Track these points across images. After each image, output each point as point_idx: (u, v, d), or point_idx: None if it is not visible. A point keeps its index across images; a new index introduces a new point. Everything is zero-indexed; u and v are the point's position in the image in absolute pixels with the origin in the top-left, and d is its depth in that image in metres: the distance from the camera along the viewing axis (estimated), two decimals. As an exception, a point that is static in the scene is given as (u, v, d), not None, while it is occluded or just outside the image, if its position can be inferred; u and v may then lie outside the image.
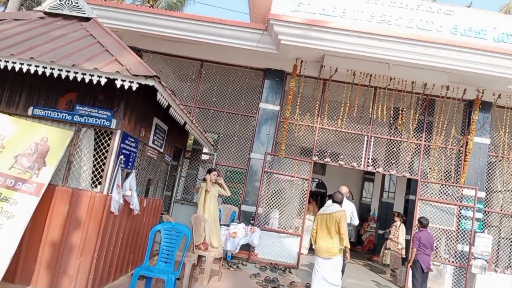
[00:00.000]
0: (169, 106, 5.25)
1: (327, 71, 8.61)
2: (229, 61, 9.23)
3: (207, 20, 8.31)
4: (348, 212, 7.13)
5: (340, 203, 6.21)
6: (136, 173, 5.58)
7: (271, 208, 8.94)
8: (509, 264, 9.23)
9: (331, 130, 9.12)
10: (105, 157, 5.01)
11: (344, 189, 7.50)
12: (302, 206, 8.99)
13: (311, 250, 7.41)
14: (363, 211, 15.79)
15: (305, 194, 9.00)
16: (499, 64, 7.71)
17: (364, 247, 14.49)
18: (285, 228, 8.86)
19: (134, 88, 4.50)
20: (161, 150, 6.60)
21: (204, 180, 6.89)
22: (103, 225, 4.90)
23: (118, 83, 4.51)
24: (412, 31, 7.75)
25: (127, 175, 5.33)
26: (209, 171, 6.92)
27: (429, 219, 8.48)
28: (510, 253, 9.77)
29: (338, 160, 9.18)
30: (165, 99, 4.95)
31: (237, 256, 8.19)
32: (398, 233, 10.17)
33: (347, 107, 8.85)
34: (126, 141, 5.20)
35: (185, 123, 6.16)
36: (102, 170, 5.02)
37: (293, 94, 8.92)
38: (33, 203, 4.54)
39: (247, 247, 8.29)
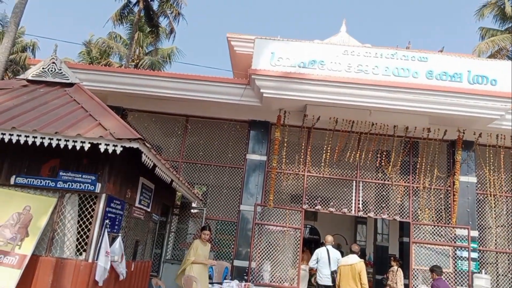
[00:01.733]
0: (155, 166, 5.24)
1: (310, 119, 8.77)
2: (214, 115, 9.37)
3: (191, 78, 8.52)
4: (335, 259, 7.81)
5: (357, 253, 7.34)
6: (123, 236, 5.45)
7: (264, 261, 8.72)
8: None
9: (319, 177, 9.14)
10: (90, 223, 4.91)
11: (329, 238, 8.13)
12: (296, 256, 8.79)
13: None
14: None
15: (298, 243, 8.84)
16: (476, 105, 7.96)
17: (363, 294, 14.06)
18: (280, 281, 8.59)
19: (118, 152, 4.51)
20: (149, 210, 6.50)
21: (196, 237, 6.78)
22: (88, 295, 4.70)
23: (102, 148, 4.52)
24: (389, 78, 8.03)
25: (114, 239, 5.19)
26: (202, 229, 6.79)
27: (425, 262, 8.38)
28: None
29: (328, 207, 9.12)
30: (150, 160, 4.94)
31: (232, 316, 7.85)
32: (396, 278, 9.92)
33: (332, 153, 8.93)
34: (112, 204, 5.11)
35: (172, 181, 6.12)
36: (87, 237, 4.89)
37: (279, 143, 9.00)
38: (15, 277, 4.36)
39: (241, 305, 7.97)
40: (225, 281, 7.80)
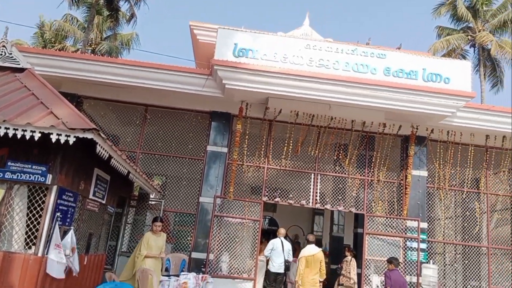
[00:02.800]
0: (110, 157, 5.07)
1: (271, 112, 8.81)
2: (174, 105, 9.19)
3: (150, 66, 8.30)
4: (288, 249, 8.68)
5: (314, 243, 8.08)
6: (75, 229, 5.26)
7: (223, 252, 8.74)
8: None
9: (279, 169, 9.23)
10: (40, 215, 4.70)
11: (282, 231, 9.03)
12: (255, 248, 8.87)
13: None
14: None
15: (257, 235, 8.92)
16: (429, 102, 8.29)
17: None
18: (238, 272, 8.65)
19: (71, 142, 4.32)
20: (103, 202, 6.31)
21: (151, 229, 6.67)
22: (38, 290, 4.51)
23: (54, 138, 4.31)
24: (349, 74, 8.18)
25: (65, 232, 5.00)
26: (154, 220, 6.70)
27: (377, 252, 8.72)
28: (455, 280, 10.19)
29: (287, 199, 9.25)
30: (105, 151, 4.78)
31: (189, 307, 7.83)
32: (350, 268, 10.25)
33: (292, 146, 9.04)
34: (64, 196, 4.92)
35: (129, 172, 5.96)
36: (37, 230, 4.68)
37: (240, 135, 8.99)
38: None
39: (199, 297, 7.96)
40: (182, 273, 7.73)
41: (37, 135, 4.29)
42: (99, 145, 4.61)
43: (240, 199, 9.00)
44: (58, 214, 4.78)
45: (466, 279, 9.61)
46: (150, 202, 9.10)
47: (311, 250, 7.94)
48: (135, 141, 9.26)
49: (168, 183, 9.55)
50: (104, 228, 6.72)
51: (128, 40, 23.94)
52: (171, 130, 9.31)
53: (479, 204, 9.63)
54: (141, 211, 9.00)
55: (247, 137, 9.08)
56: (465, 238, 9.69)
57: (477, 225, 9.64)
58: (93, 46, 21.68)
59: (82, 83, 8.61)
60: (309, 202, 9.19)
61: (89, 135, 4.37)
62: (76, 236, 5.18)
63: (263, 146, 9.19)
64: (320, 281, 7.85)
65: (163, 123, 9.27)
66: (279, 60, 8.16)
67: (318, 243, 15.84)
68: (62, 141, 4.30)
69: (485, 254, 9.47)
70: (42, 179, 4.71)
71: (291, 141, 9.03)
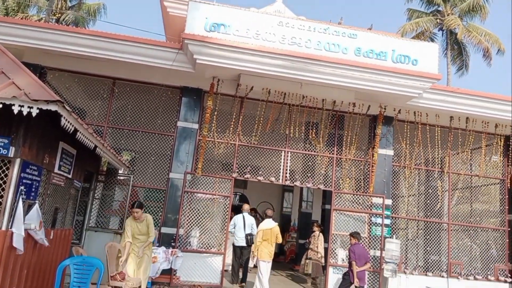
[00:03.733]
0: (76, 130, 4.94)
1: (243, 89, 8.77)
2: (143, 79, 8.99)
3: (118, 37, 8.04)
4: (249, 224, 9.23)
5: (271, 217, 8.63)
6: (40, 203, 5.14)
7: (193, 228, 8.79)
8: (416, 264, 10.08)
9: (250, 146, 9.28)
10: (3, 189, 4.55)
11: (246, 207, 9.74)
12: (225, 224, 8.98)
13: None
14: (284, 222, 16.21)
15: (227, 210, 9.01)
16: (397, 83, 8.47)
17: (287, 257, 14.85)
18: (208, 247, 8.76)
19: (34, 114, 4.17)
20: (69, 176, 6.17)
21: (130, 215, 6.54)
22: (3, 263, 4.43)
23: (16, 109, 4.14)
24: (321, 53, 8.22)
25: (30, 206, 4.88)
26: (131, 206, 6.52)
27: (343, 227, 9.01)
28: (416, 254, 10.70)
29: (257, 176, 9.34)
30: (70, 124, 4.64)
31: (158, 282, 7.89)
32: (318, 242, 10.58)
33: (263, 124, 9.08)
34: (27, 170, 4.77)
35: (96, 146, 5.83)
36: (0, 204, 4.54)
37: (211, 112, 8.93)
38: None
39: (168, 271, 8.03)
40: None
41: (-3, 106, 4.10)
42: (64, 117, 4.46)
43: (211, 175, 9.03)
44: (22, 188, 4.64)
45: (427, 254, 10.11)
46: (118, 177, 8.97)
47: (268, 224, 8.41)
48: (103, 115, 9.03)
49: (137, 159, 9.42)
50: (70, 203, 6.59)
51: (95, 10, 22.99)
52: (140, 104, 9.13)
53: (441, 183, 10.06)
54: (110, 186, 8.87)
55: (217, 113, 9.02)
56: (427, 214, 10.14)
57: (438, 202, 10.09)
58: (57, 16, 20.69)
59: (45, 54, 8.26)
60: (279, 179, 9.33)
61: (53, 107, 4.22)
62: (41, 210, 5.07)
63: (234, 123, 9.17)
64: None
65: (132, 97, 9.06)
66: (251, 36, 8.07)
67: (287, 219, 16.28)
68: (24, 113, 4.13)
69: (445, 230, 9.96)
70: (5, 151, 4.54)
71: (262, 119, 9.06)
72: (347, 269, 7.71)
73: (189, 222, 8.72)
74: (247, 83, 8.61)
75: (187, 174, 8.75)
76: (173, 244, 8.33)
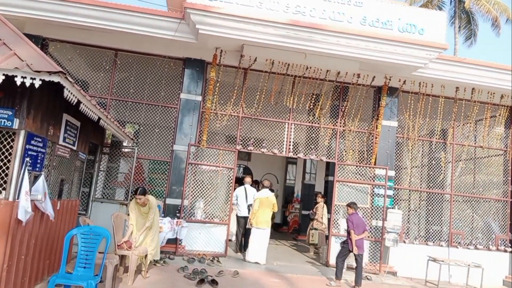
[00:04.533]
0: (79, 102, 4.93)
1: (246, 60, 8.67)
2: (146, 50, 8.89)
3: (119, 7, 7.90)
4: (251, 195, 9.53)
5: (268, 187, 9.17)
6: (46, 175, 5.20)
7: (197, 199, 8.91)
8: (417, 234, 10.24)
9: (254, 118, 9.27)
10: (9, 161, 4.60)
11: (248, 179, 10.05)
12: (229, 195, 9.08)
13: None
14: (288, 193, 16.40)
15: (231, 182, 9.09)
16: (403, 53, 8.34)
17: (290, 227, 15.10)
18: (212, 218, 8.90)
19: (36, 85, 4.15)
20: (74, 148, 6.21)
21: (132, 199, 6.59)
22: (11, 234, 4.52)
23: (18, 81, 4.12)
24: (326, 22, 8.06)
25: (36, 178, 4.95)
26: (135, 192, 6.53)
27: (346, 198, 9.10)
28: (418, 224, 10.84)
29: (261, 148, 9.37)
30: (73, 95, 4.63)
31: (164, 250, 8.06)
32: (322, 213, 10.74)
33: (266, 96, 9.02)
34: (32, 142, 4.80)
35: (99, 118, 5.84)
36: (6, 175, 4.60)
37: (214, 83, 8.87)
38: None
39: (174, 240, 8.20)
40: (157, 218, 7.89)
41: (0, 77, 4.09)
42: (67, 89, 4.45)
43: (215, 147, 9.06)
44: (27, 159, 4.69)
45: (428, 224, 10.24)
46: (123, 149, 9.03)
47: (265, 193, 8.95)
48: (106, 88, 8.99)
49: (141, 131, 9.45)
50: (76, 175, 6.66)
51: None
52: (143, 76, 9.07)
53: (445, 154, 10.05)
54: (115, 159, 8.93)
55: (220, 85, 8.96)
56: (429, 185, 10.20)
57: (441, 173, 10.13)
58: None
59: (47, 25, 8.15)
60: (282, 151, 9.36)
61: (55, 78, 4.20)
62: (47, 182, 5.14)
63: (237, 95, 9.11)
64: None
65: (134, 69, 9.00)
66: (254, 5, 7.91)
67: (291, 190, 16.45)
68: (27, 84, 4.12)
69: (447, 201, 10.04)
70: (9, 123, 4.55)
71: (265, 91, 8.99)
72: (346, 238, 7.84)
73: (193, 194, 8.83)
74: (250, 54, 8.49)
75: (191, 146, 8.79)
76: (178, 214, 8.46)
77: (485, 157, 10.41)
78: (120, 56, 8.97)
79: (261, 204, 8.73)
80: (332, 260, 9.01)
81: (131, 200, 7.19)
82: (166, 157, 8.93)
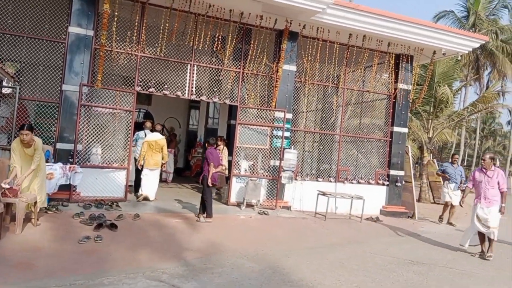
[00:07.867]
0: None
1: (144, -7, 8.03)
2: (23, -27, 7.70)
3: None
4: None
5: (150, 129, 9.80)
6: None
7: (94, 144, 8.40)
8: (309, 172, 11.11)
9: (154, 58, 8.81)
10: None
11: (148, 124, 10.16)
12: (128, 138, 8.72)
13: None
14: (190, 138, 16.36)
15: (130, 126, 8.70)
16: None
17: (193, 171, 15.24)
18: (111, 163, 8.52)
19: None
20: None
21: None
22: None
23: None
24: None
25: None
26: (21, 128, 5.85)
27: (247, 140, 9.39)
28: (310, 163, 11.74)
29: (162, 90, 9.04)
30: None
31: (56, 198, 7.57)
32: (222, 155, 10.95)
33: (168, 34, 8.57)
34: None
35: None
36: None
37: (108, 17, 8.10)
38: None
39: (67, 187, 7.73)
40: (47, 164, 7.30)
41: None
42: None
43: (111, 88, 8.49)
44: None
45: (320, 163, 11.16)
46: (2, 90, 7.98)
47: (154, 136, 9.17)
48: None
49: (23, 70, 8.38)
50: None
51: None
52: (23, 5, 7.91)
53: (337, 98, 10.80)
54: (-7, 100, 7.89)
55: (116, 19, 8.24)
56: (322, 127, 10.98)
57: (333, 116, 10.92)
58: None
59: None
60: (184, 93, 9.16)
61: None
62: None
63: (135, 32, 8.50)
64: (162, 164, 9.21)
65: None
66: None
67: (194, 134, 16.42)
68: None
69: (337, 141, 10.96)
70: None
71: (166, 29, 8.52)
72: (204, 174, 7.90)
73: (88, 138, 8.29)
74: (148, -14, 7.87)
75: (83, 86, 8.10)
76: (71, 160, 7.93)
77: (371, 101, 11.45)
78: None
79: (149, 147, 8.92)
80: (233, 199, 9.43)
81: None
82: (55, 98, 8.14)
